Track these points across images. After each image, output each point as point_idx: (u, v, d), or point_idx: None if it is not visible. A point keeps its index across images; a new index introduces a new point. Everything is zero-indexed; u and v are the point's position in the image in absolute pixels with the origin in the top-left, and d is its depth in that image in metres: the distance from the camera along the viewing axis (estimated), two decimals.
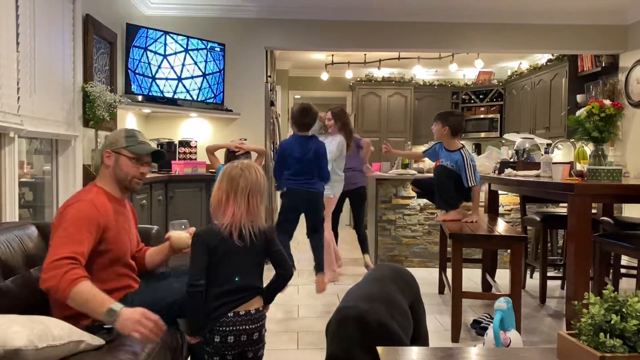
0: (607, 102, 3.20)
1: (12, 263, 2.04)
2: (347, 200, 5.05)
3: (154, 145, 5.10)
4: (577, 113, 3.36)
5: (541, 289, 4.05)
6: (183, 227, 2.31)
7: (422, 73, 8.35)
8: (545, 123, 6.78)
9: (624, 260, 4.25)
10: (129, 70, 4.58)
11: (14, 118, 2.81)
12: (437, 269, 4.49)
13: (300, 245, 5.67)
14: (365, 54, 7.26)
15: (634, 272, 4.11)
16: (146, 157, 2.21)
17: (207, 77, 5.22)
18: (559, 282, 4.54)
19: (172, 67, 4.94)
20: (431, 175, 4.19)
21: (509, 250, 3.96)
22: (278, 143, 5.96)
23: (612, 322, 1.25)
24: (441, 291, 4.30)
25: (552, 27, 5.58)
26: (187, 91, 5.07)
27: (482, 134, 8.48)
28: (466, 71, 8.45)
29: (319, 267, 3.88)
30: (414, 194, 4.77)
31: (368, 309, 1.82)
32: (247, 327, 1.89)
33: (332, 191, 4.55)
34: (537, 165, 3.98)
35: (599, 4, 5.31)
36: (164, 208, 4.37)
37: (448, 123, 3.80)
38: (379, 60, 7.60)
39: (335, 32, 5.54)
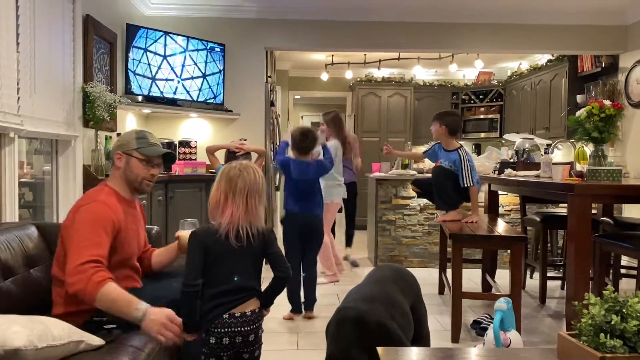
0: (607, 102, 3.20)
1: (12, 263, 2.04)
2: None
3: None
4: (577, 113, 3.36)
5: (541, 289, 4.05)
6: (194, 226, 2.31)
7: (422, 73, 8.35)
8: (545, 123, 6.78)
9: (624, 260, 4.25)
10: (129, 71, 4.58)
11: (14, 118, 2.81)
12: (437, 269, 4.49)
13: None
14: (365, 54, 7.26)
15: (634, 272, 4.11)
16: (157, 159, 2.21)
17: (207, 77, 5.22)
18: (559, 282, 4.55)
19: (172, 68, 4.94)
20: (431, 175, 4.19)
21: (509, 251, 3.96)
22: (278, 143, 5.97)
23: (613, 322, 1.25)
24: (441, 291, 4.30)
25: (552, 28, 5.59)
26: (187, 91, 5.07)
27: (482, 134, 8.48)
28: (466, 71, 8.45)
29: (309, 305, 3.73)
30: (414, 194, 4.78)
31: (367, 310, 1.82)
32: (242, 328, 1.87)
33: (330, 198, 4.54)
34: (537, 166, 3.98)
35: (599, 5, 5.31)
36: (164, 208, 4.37)
37: (445, 122, 3.81)
38: (379, 60, 7.60)
39: (335, 33, 5.54)
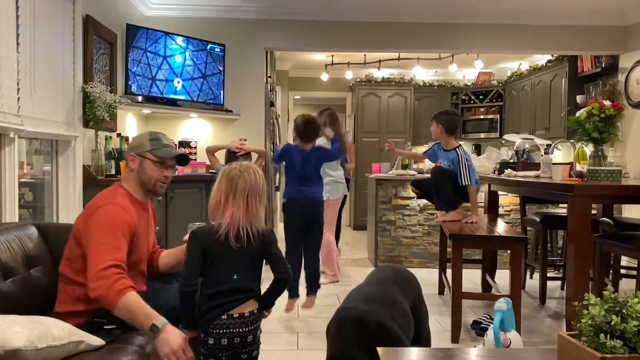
0: (607, 102, 3.20)
1: (12, 263, 2.04)
2: (345, 201, 5.07)
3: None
4: (577, 114, 3.37)
5: (541, 289, 4.05)
6: None
7: (422, 74, 8.35)
8: (545, 124, 6.78)
9: (624, 260, 4.25)
10: (129, 71, 4.58)
11: (14, 118, 2.81)
12: (437, 270, 4.49)
13: None
14: (365, 55, 7.26)
15: (634, 272, 4.11)
16: (170, 161, 2.21)
17: (207, 77, 5.22)
18: (558, 282, 4.55)
19: (172, 68, 4.94)
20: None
21: (508, 251, 3.96)
22: (278, 143, 5.97)
23: (613, 322, 1.25)
24: (441, 292, 4.30)
25: (552, 28, 5.59)
26: (187, 92, 5.07)
27: (482, 135, 8.48)
28: (466, 72, 8.45)
29: (312, 286, 3.77)
30: (414, 194, 4.78)
31: (368, 310, 1.82)
32: (240, 329, 1.88)
33: (327, 195, 4.54)
34: (537, 166, 3.98)
35: (599, 5, 5.31)
36: (164, 208, 4.36)
37: (441, 122, 3.82)
38: (379, 60, 7.60)
39: (335, 33, 5.54)
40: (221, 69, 5.31)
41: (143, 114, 5.16)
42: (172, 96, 4.96)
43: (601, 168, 3.17)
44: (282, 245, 2.19)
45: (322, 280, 4.43)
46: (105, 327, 1.94)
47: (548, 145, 4.63)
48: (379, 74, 8.23)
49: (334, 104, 10.29)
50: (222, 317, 1.86)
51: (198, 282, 1.88)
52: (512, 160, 4.80)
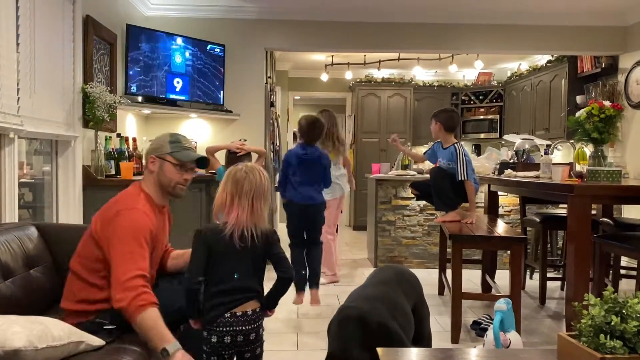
0: (607, 103, 3.20)
1: (12, 264, 2.04)
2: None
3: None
4: (577, 114, 3.37)
5: (541, 290, 4.05)
6: None
7: (422, 74, 8.35)
8: (544, 124, 6.78)
9: (624, 261, 4.25)
10: (128, 71, 4.58)
11: (14, 119, 2.81)
12: (437, 270, 4.49)
13: None
14: (365, 55, 7.26)
15: (634, 273, 4.11)
16: (190, 164, 2.20)
17: (207, 78, 5.22)
18: (558, 283, 4.55)
19: (172, 68, 4.94)
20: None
21: (508, 251, 3.96)
22: (278, 144, 5.97)
23: (612, 323, 1.25)
24: (441, 292, 4.30)
25: (551, 28, 5.59)
26: (187, 92, 5.07)
27: (482, 135, 8.48)
28: (466, 72, 8.45)
29: (314, 282, 3.79)
30: (413, 195, 4.77)
31: (369, 310, 1.83)
32: (243, 327, 1.90)
33: (327, 195, 4.54)
34: (536, 166, 3.98)
35: (599, 5, 5.31)
36: None
37: (440, 119, 3.83)
38: (379, 61, 7.60)
39: (335, 33, 5.55)
40: (221, 69, 5.31)
41: (143, 114, 5.16)
42: (172, 96, 4.96)
43: (601, 168, 3.17)
44: (284, 246, 2.19)
45: (321, 280, 4.43)
46: (105, 327, 1.94)
47: (548, 146, 4.63)
48: (379, 74, 8.23)
49: (334, 104, 10.28)
50: (226, 315, 1.89)
51: (202, 280, 1.91)
52: (512, 161, 4.80)
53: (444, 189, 3.78)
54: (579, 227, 2.87)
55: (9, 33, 2.78)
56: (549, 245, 4.75)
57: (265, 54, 5.56)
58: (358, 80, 8.36)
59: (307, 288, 3.80)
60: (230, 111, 5.39)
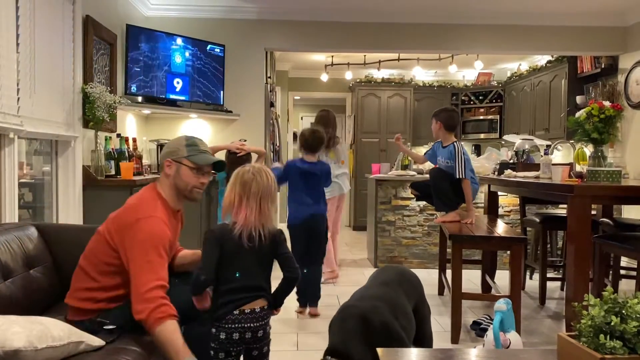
0: (607, 103, 3.20)
1: (12, 264, 2.04)
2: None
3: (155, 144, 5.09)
4: (577, 114, 3.37)
5: (541, 290, 4.05)
6: None
7: (422, 74, 8.35)
8: (544, 124, 6.79)
9: (624, 261, 4.25)
10: (128, 71, 4.58)
11: (14, 119, 2.81)
12: (437, 270, 4.49)
13: None
14: (365, 55, 7.26)
15: (634, 273, 4.11)
16: (207, 167, 2.19)
17: (207, 78, 5.22)
18: (558, 283, 4.55)
19: (171, 68, 4.94)
20: None
21: (508, 252, 3.96)
22: (278, 144, 5.97)
23: (612, 323, 1.25)
24: (441, 292, 4.30)
25: (551, 29, 5.59)
26: (187, 92, 5.07)
27: (482, 135, 8.48)
28: (466, 72, 8.45)
29: (314, 302, 3.79)
30: (413, 195, 4.77)
31: (372, 309, 1.85)
32: (251, 324, 1.94)
33: (330, 193, 4.54)
34: (536, 167, 3.98)
35: (599, 6, 5.31)
36: None
37: (440, 119, 3.84)
38: (379, 61, 7.60)
39: (335, 33, 5.55)
40: (221, 69, 5.31)
41: (143, 114, 5.16)
42: (171, 96, 4.96)
43: (601, 169, 3.17)
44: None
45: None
46: (105, 327, 1.94)
47: (548, 146, 4.63)
48: (379, 74, 8.23)
49: (334, 105, 10.25)
50: (234, 312, 1.93)
51: (213, 278, 1.96)
52: (511, 161, 4.80)
53: (444, 189, 3.78)
54: (579, 228, 2.87)
55: (9, 33, 2.78)
56: (548, 246, 4.75)
57: (265, 54, 5.56)
58: (358, 80, 8.36)
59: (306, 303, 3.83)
60: (230, 111, 5.39)
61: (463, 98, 8.59)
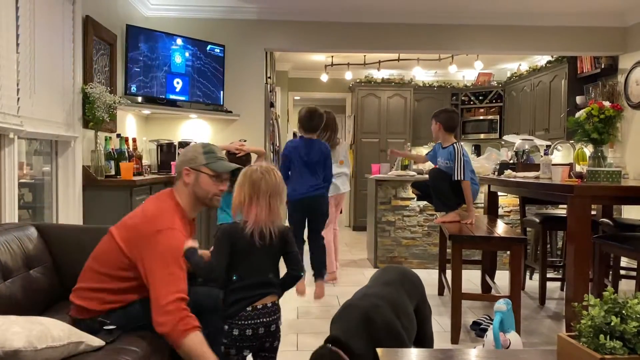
0: (607, 103, 3.20)
1: (12, 264, 2.04)
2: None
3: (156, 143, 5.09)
4: (577, 115, 3.37)
5: (541, 290, 4.05)
6: None
7: (422, 74, 8.35)
8: (544, 124, 6.79)
9: (624, 261, 4.25)
10: (128, 72, 4.58)
11: (14, 119, 2.81)
12: (437, 271, 4.49)
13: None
14: (364, 56, 7.26)
15: (634, 273, 4.11)
16: (225, 174, 2.19)
17: (207, 78, 5.22)
18: (558, 283, 4.55)
19: (171, 69, 4.94)
20: None
21: (508, 252, 3.96)
22: (278, 144, 5.97)
23: (612, 323, 1.25)
24: (441, 292, 4.30)
25: (551, 29, 5.59)
26: (187, 92, 5.08)
27: (482, 135, 8.48)
28: (465, 72, 8.45)
29: (319, 273, 3.84)
30: (413, 195, 4.77)
31: (374, 307, 1.87)
32: (264, 319, 1.99)
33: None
34: (536, 167, 3.98)
35: (598, 6, 5.32)
36: None
37: (440, 120, 3.84)
38: (379, 61, 7.60)
39: (335, 34, 5.55)
40: (221, 69, 5.31)
41: (143, 114, 5.16)
42: (171, 97, 4.96)
43: (601, 169, 3.16)
44: None
45: None
46: (105, 327, 1.94)
47: (548, 146, 4.63)
48: (379, 74, 8.23)
49: (334, 105, 10.24)
50: (247, 309, 1.97)
51: (222, 275, 1.99)
52: (511, 161, 4.80)
53: (443, 189, 3.78)
54: (579, 228, 2.87)
55: (9, 33, 2.78)
56: (548, 246, 4.75)
57: (265, 55, 5.56)
58: (358, 80, 8.36)
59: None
60: (230, 111, 5.39)
61: (463, 98, 8.59)
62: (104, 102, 3.70)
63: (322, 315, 3.75)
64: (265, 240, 2.00)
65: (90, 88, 3.67)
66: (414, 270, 2.34)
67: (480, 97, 8.49)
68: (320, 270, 3.85)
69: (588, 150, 3.95)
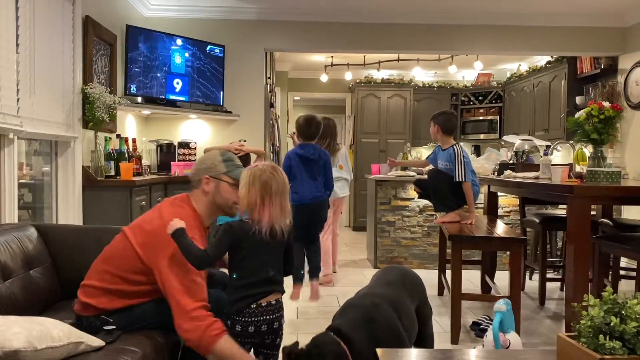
0: (606, 104, 3.20)
1: (12, 264, 2.04)
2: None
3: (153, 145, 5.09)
4: (577, 115, 3.37)
5: (540, 290, 4.05)
6: None
7: (422, 75, 8.36)
8: (544, 125, 6.79)
9: (623, 262, 4.25)
10: (128, 72, 4.58)
11: (14, 119, 2.81)
12: (437, 271, 4.49)
13: None
14: (364, 56, 7.26)
15: (633, 274, 4.11)
16: None
17: (207, 78, 5.22)
18: (558, 283, 4.55)
19: (171, 69, 4.94)
20: None
21: (508, 252, 3.96)
22: (278, 144, 5.97)
23: (612, 324, 1.25)
24: (440, 293, 4.30)
25: (551, 29, 5.59)
26: (187, 92, 5.08)
27: (482, 136, 8.48)
28: (465, 73, 8.46)
29: (314, 274, 3.82)
30: (413, 195, 4.78)
31: (375, 307, 1.87)
32: (268, 317, 1.99)
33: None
34: (536, 167, 3.98)
35: (598, 6, 5.32)
36: None
37: (438, 122, 3.85)
38: (379, 61, 7.61)
39: (335, 34, 5.55)
40: (221, 70, 5.31)
41: (142, 114, 5.16)
42: (171, 97, 4.96)
43: (600, 169, 3.17)
44: None
45: None
46: (105, 327, 1.94)
47: (547, 147, 4.64)
48: (379, 75, 8.24)
49: (334, 105, 10.26)
50: (252, 306, 1.97)
51: (213, 264, 2.01)
52: (511, 162, 4.80)
53: (442, 190, 3.78)
54: (579, 228, 2.87)
55: (8, 33, 2.78)
56: (548, 246, 4.76)
57: (265, 55, 5.56)
58: (358, 81, 8.36)
59: (302, 282, 3.81)
60: (230, 112, 5.39)
61: (463, 98, 8.59)
62: (103, 102, 3.70)
63: (322, 315, 3.75)
64: (276, 239, 2.01)
65: (90, 88, 3.67)
66: (414, 270, 2.34)
67: (480, 98, 8.49)
68: (315, 271, 3.84)
69: (588, 150, 3.95)
